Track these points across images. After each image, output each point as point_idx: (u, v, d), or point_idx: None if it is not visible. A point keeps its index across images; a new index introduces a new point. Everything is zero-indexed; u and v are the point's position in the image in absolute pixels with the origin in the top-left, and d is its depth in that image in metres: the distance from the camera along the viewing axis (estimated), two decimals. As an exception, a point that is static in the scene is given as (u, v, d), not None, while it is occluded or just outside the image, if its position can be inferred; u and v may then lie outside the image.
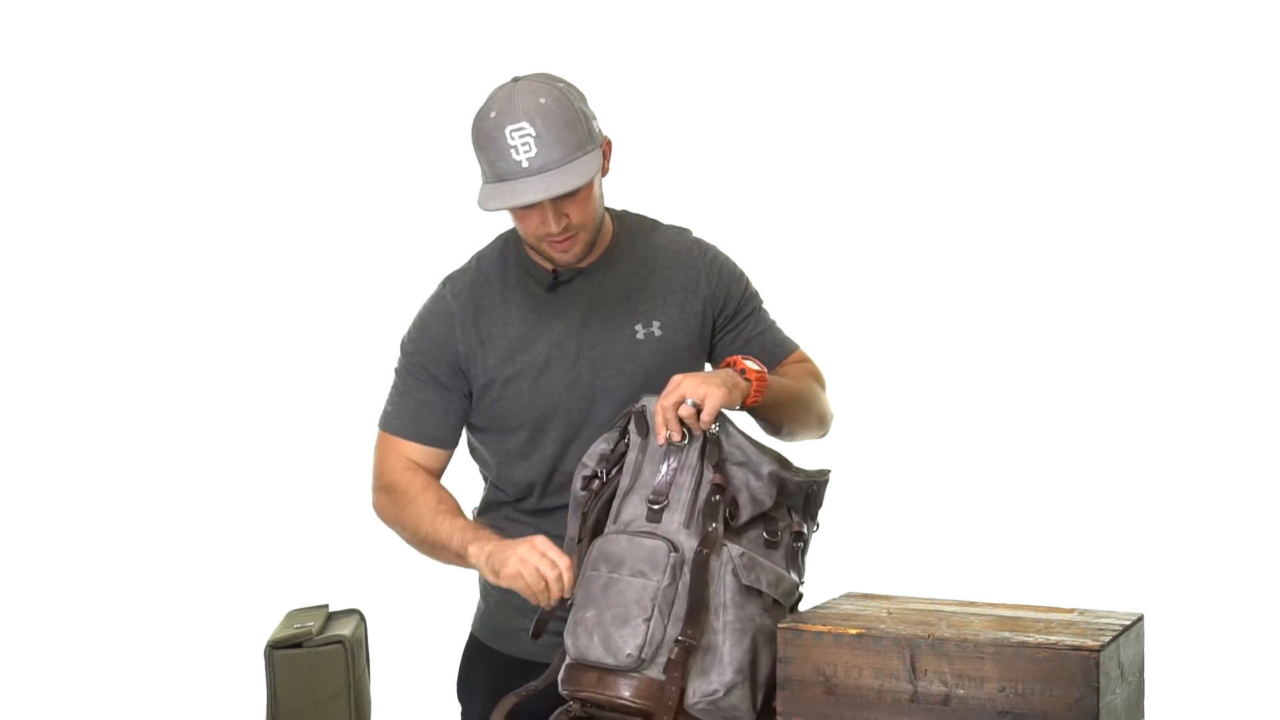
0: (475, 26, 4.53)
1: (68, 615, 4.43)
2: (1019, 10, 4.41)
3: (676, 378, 2.31)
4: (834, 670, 2.19)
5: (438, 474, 2.60)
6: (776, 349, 2.62)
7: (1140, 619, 2.25)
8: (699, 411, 2.27)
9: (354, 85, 4.61)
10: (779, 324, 2.67)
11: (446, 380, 2.54)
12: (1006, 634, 2.13)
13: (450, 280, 2.57)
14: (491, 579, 2.39)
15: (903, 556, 4.07)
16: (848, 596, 2.44)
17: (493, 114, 2.35)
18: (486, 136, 2.36)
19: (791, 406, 2.51)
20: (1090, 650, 2.05)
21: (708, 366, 2.64)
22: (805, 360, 2.65)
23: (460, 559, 2.47)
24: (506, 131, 2.33)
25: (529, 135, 2.32)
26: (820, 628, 2.21)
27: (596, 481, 2.41)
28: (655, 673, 2.23)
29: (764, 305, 2.66)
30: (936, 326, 4.45)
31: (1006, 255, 4.43)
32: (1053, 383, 4.39)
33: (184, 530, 4.51)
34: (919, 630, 2.16)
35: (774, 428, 2.55)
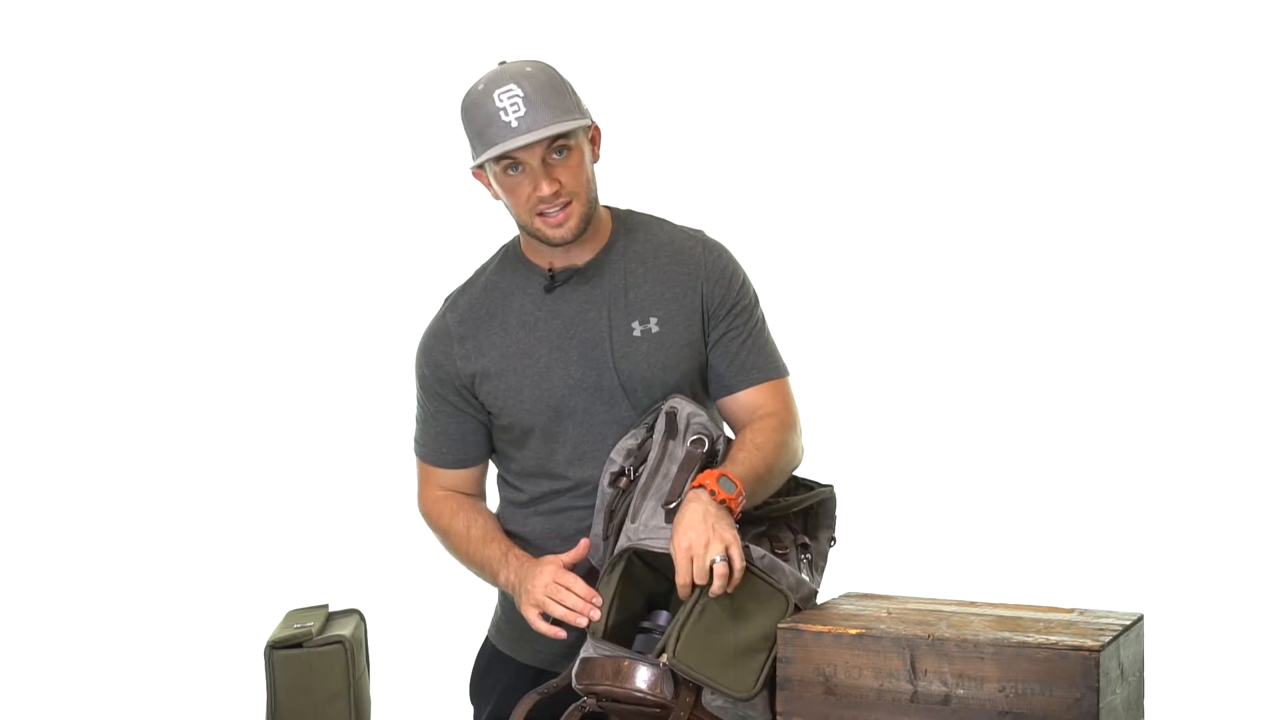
0: (476, 27, 4.53)
1: (68, 615, 4.43)
2: (1019, 10, 4.40)
3: (682, 543, 2.26)
4: (834, 670, 2.19)
5: (476, 490, 2.62)
6: (753, 370, 2.53)
7: (1140, 619, 2.25)
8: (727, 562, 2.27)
9: (357, 88, 4.61)
10: (774, 343, 2.57)
11: (457, 401, 2.53)
12: (1006, 634, 2.13)
13: (449, 298, 2.58)
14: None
15: (903, 556, 4.07)
16: (848, 596, 2.44)
17: (480, 85, 2.38)
18: (474, 105, 2.38)
19: (759, 493, 2.44)
20: (1090, 650, 2.05)
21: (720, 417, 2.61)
22: (779, 399, 2.53)
23: (497, 583, 2.53)
24: (495, 95, 2.35)
25: (517, 96, 2.34)
26: (820, 628, 2.21)
27: (624, 479, 2.41)
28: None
29: (762, 319, 2.57)
30: (937, 327, 4.45)
31: (1005, 255, 4.43)
32: (1052, 383, 4.39)
33: (184, 530, 4.51)
34: (919, 630, 2.16)
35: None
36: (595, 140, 2.47)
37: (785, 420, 2.51)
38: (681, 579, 2.26)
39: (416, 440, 2.61)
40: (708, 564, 2.25)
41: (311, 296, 4.60)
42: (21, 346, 4.57)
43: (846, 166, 4.50)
